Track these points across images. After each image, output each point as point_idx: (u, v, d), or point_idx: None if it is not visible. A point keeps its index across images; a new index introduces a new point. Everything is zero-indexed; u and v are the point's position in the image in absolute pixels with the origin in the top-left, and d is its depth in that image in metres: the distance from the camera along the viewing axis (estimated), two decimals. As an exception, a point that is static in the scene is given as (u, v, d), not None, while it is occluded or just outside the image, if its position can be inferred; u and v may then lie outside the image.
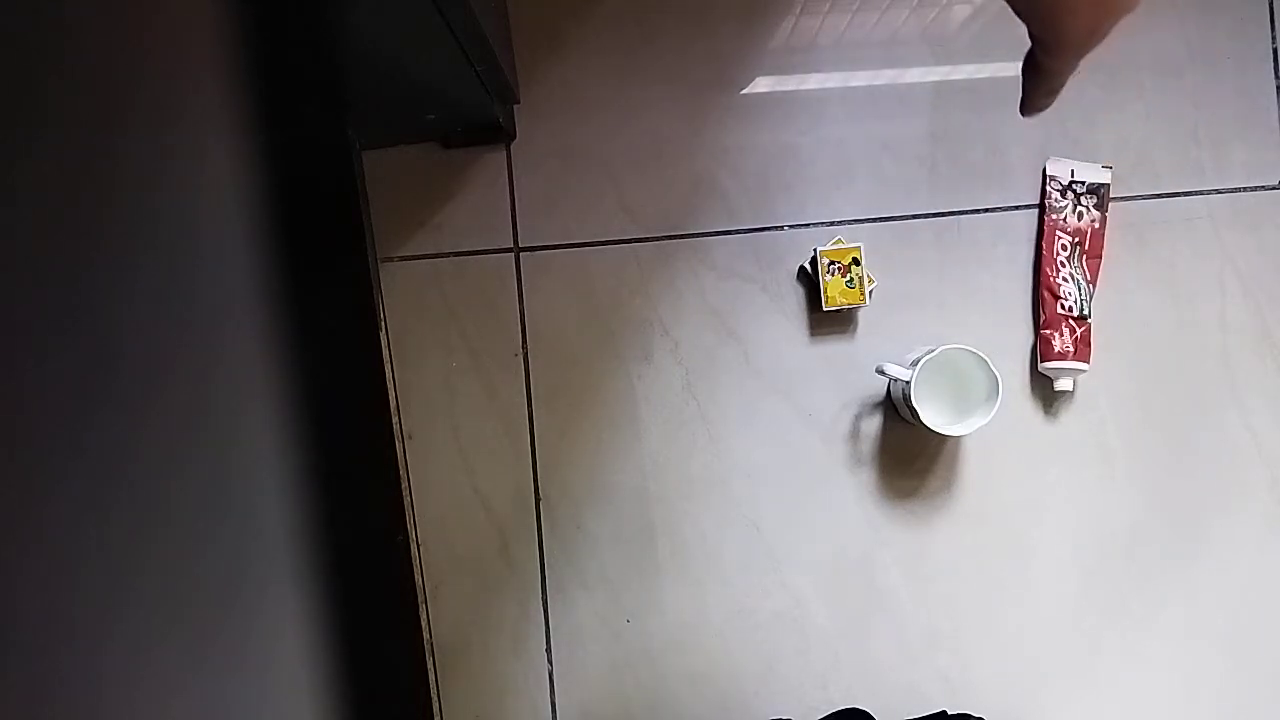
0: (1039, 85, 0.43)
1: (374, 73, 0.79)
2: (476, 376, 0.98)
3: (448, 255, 0.98)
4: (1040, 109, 0.45)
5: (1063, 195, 0.98)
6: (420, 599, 0.93)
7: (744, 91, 1.00)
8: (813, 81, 1.00)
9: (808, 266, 0.97)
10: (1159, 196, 1.00)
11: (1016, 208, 1.00)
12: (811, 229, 0.99)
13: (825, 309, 0.95)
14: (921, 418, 0.89)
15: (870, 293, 0.96)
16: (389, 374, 0.93)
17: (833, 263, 0.95)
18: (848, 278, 0.95)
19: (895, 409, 0.98)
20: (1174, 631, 0.99)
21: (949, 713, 0.93)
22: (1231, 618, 0.99)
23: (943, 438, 0.97)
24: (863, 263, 0.95)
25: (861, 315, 0.98)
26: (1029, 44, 0.42)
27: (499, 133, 0.96)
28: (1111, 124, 1.00)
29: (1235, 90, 1.01)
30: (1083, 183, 0.99)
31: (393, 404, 0.93)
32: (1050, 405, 0.99)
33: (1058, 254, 0.97)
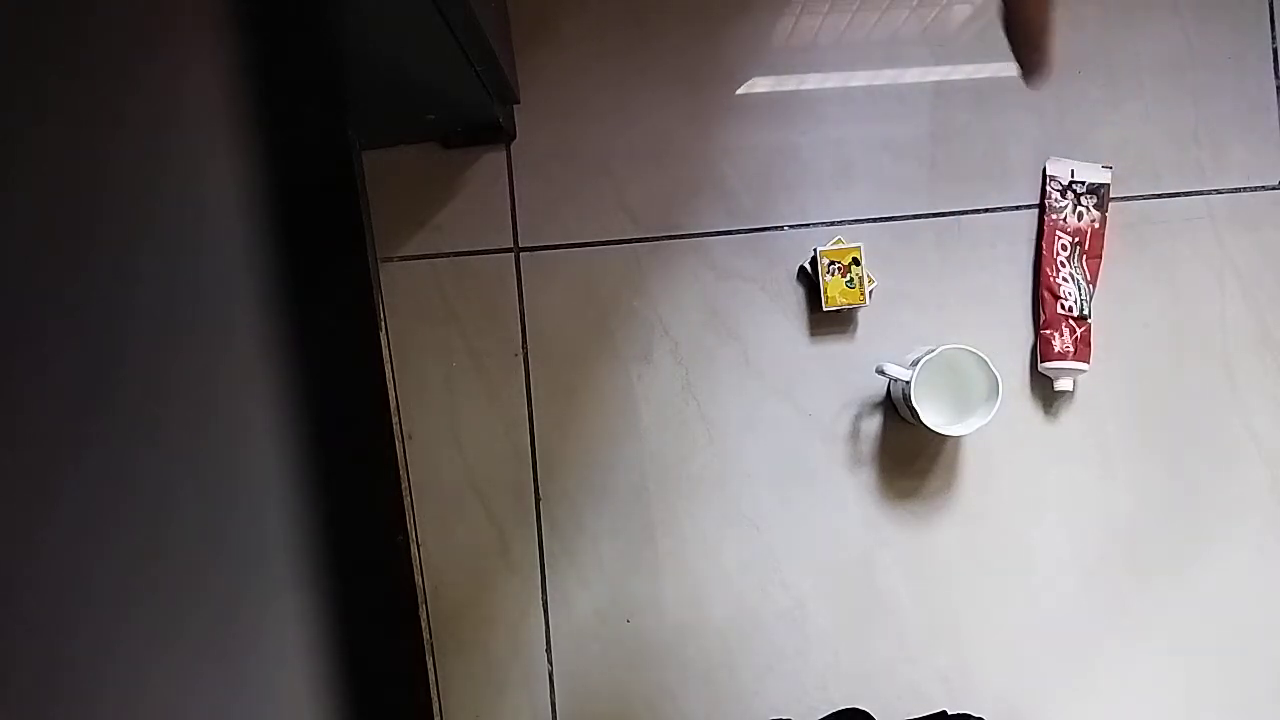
0: (1020, 39, 0.44)
1: (374, 73, 0.79)
2: (476, 376, 0.98)
3: (448, 255, 0.98)
4: (1039, 69, 0.45)
5: (1063, 195, 0.98)
6: (420, 599, 0.93)
7: (744, 91, 1.00)
8: (812, 81, 1.00)
9: (808, 266, 0.97)
10: (1159, 196, 1.00)
11: (1016, 208, 1.00)
12: (811, 229, 0.99)
13: (825, 309, 0.95)
14: (921, 418, 0.89)
15: (870, 293, 0.96)
16: (389, 374, 0.93)
17: (833, 263, 0.95)
18: (848, 278, 0.95)
19: (895, 409, 0.98)
20: (1174, 632, 0.99)
21: (949, 713, 0.94)
22: (1231, 617, 0.99)
23: (943, 438, 0.97)
24: (863, 263, 0.95)
25: (861, 315, 0.98)
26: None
27: (499, 133, 0.96)
28: (1111, 124, 1.00)
29: (1235, 90, 1.01)
30: (1083, 183, 0.99)
31: (393, 404, 0.93)
32: (1050, 405, 0.99)
33: (1058, 254, 0.97)
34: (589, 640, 0.97)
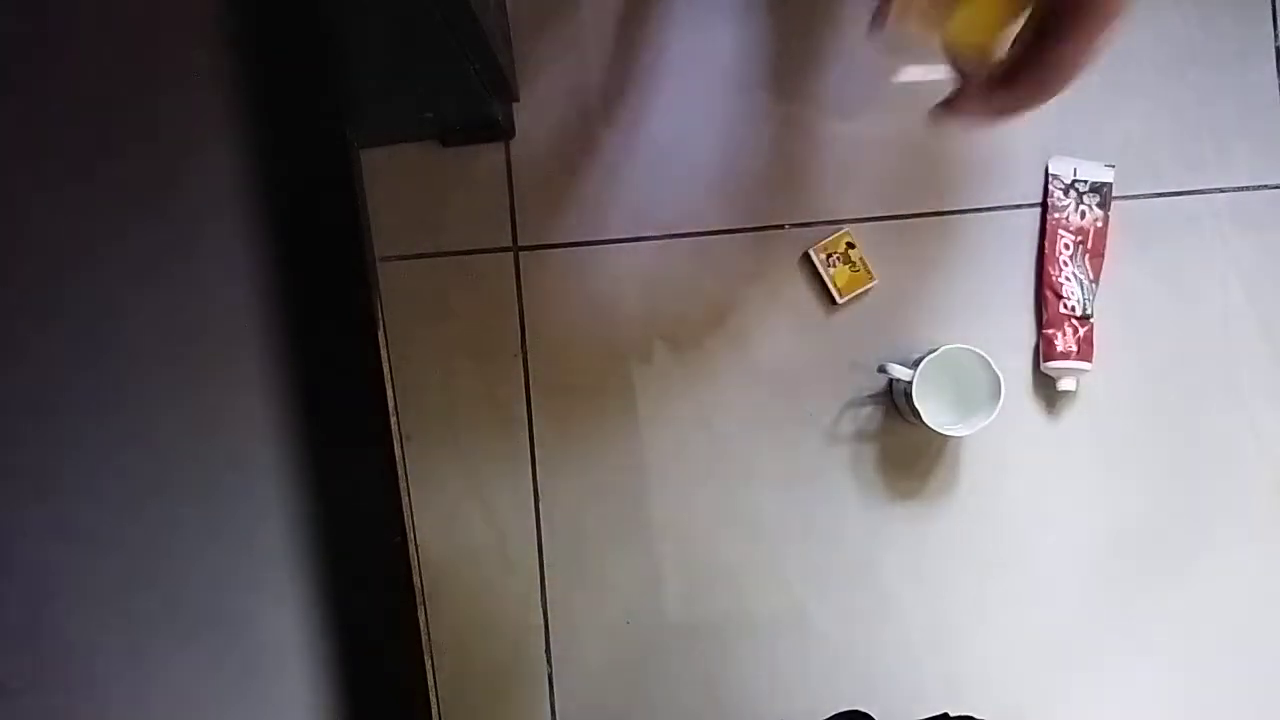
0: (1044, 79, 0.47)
1: (373, 72, 0.78)
2: (476, 376, 0.97)
3: (448, 255, 0.98)
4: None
5: (1065, 194, 0.98)
6: (420, 599, 0.93)
7: (744, 91, 1.00)
8: (812, 81, 1.00)
9: (812, 254, 0.97)
10: (1162, 195, 1.00)
11: (1019, 206, 1.00)
12: (811, 228, 0.99)
13: (840, 301, 0.96)
14: (923, 418, 0.89)
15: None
16: (389, 374, 0.93)
17: (830, 255, 0.95)
18: (850, 263, 0.95)
19: (897, 409, 0.98)
20: (1177, 632, 0.99)
21: (951, 714, 0.93)
22: (1234, 618, 0.99)
23: (944, 438, 0.97)
24: (858, 245, 0.95)
25: (862, 315, 0.98)
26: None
27: (498, 131, 0.95)
28: (1115, 122, 1.00)
29: (1238, 89, 1.01)
30: (1085, 181, 0.98)
31: (392, 404, 0.92)
32: (1053, 405, 0.99)
33: (1060, 253, 0.97)
34: (588, 640, 0.97)
